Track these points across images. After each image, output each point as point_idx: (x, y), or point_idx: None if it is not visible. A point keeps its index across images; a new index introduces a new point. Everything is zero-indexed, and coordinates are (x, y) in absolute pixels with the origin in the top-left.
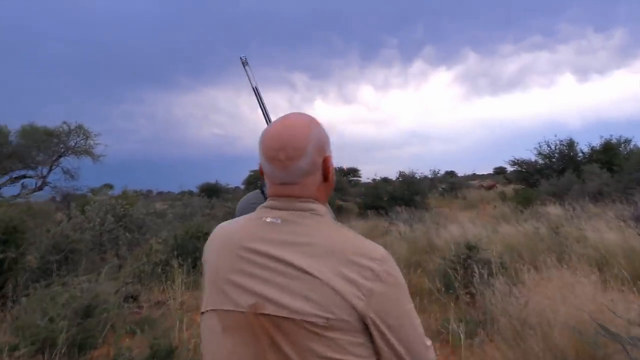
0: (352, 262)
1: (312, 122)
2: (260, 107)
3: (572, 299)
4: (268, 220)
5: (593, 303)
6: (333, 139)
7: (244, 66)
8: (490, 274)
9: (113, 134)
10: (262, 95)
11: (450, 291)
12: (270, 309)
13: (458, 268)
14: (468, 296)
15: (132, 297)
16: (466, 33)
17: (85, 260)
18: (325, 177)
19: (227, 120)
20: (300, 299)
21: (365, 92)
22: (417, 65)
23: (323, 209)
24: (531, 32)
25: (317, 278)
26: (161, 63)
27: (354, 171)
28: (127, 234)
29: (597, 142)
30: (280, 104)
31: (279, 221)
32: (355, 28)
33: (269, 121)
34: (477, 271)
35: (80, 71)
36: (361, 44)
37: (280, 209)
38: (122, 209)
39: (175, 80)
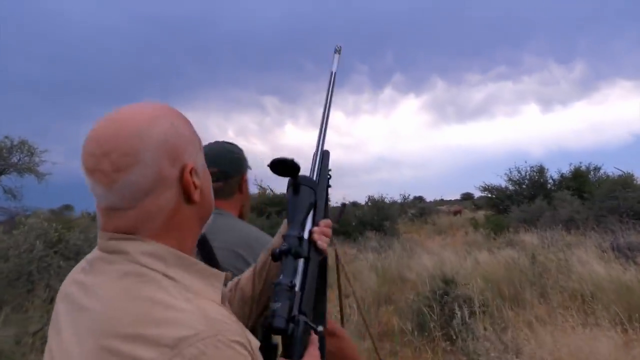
0: (113, 349)
1: (158, 114)
2: (328, 98)
3: (568, 348)
4: (85, 261)
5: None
6: (303, 163)
7: (336, 53)
8: (472, 314)
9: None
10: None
11: (425, 333)
12: None
13: (434, 305)
14: (447, 342)
15: None
16: (434, 61)
17: (7, 293)
18: (189, 197)
19: None
20: None
21: (336, 117)
22: (387, 92)
23: (161, 251)
24: (497, 62)
25: None
26: (131, 83)
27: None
28: (61, 262)
29: (566, 169)
30: (250, 127)
31: (87, 266)
32: (327, 53)
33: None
34: (457, 312)
35: (48, 89)
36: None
37: (98, 247)
38: (57, 234)
39: (144, 101)
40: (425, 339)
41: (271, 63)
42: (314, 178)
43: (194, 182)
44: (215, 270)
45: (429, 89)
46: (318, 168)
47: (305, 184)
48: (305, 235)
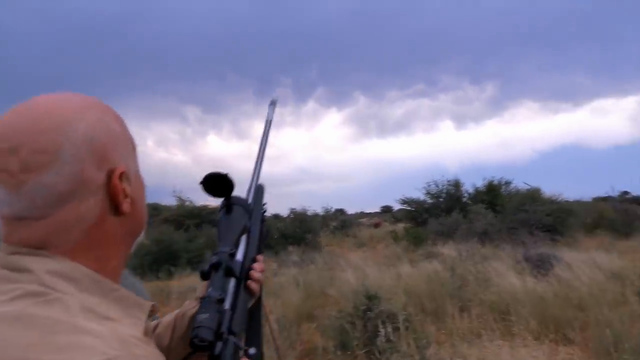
0: None
1: (86, 106)
2: (263, 143)
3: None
4: None
5: None
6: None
7: (271, 105)
8: (395, 329)
9: None
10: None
11: (348, 351)
12: None
13: (356, 322)
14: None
15: None
16: (357, 77)
17: None
18: (117, 207)
19: None
20: None
21: (260, 128)
22: (310, 105)
23: (73, 272)
24: (415, 79)
25: None
26: (37, 91)
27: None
28: None
29: (480, 183)
30: (170, 137)
31: None
32: (251, 65)
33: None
34: (381, 329)
35: None
36: (256, 81)
37: None
38: None
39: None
40: (348, 357)
41: (193, 72)
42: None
43: (124, 189)
44: (139, 299)
45: (352, 104)
46: (252, 202)
47: (239, 204)
48: (239, 257)
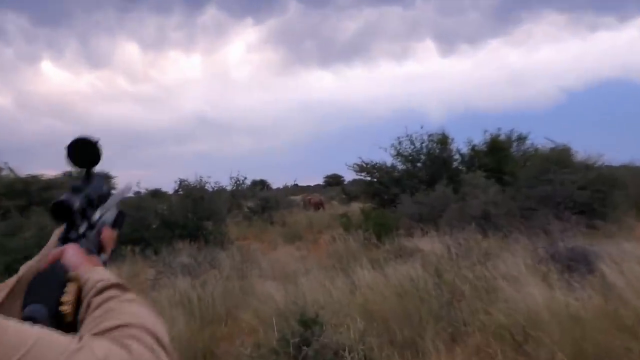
0: None
1: None
2: None
3: None
4: None
5: None
6: (66, 124)
7: None
8: None
9: None
10: None
11: None
12: None
13: None
14: None
15: None
16: None
17: None
18: None
19: None
20: None
21: (126, 51)
22: (210, 13)
23: None
24: None
25: None
26: None
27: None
28: None
29: (479, 139)
30: None
31: None
32: None
33: None
34: None
35: None
36: None
37: None
38: None
39: None
40: None
41: None
42: None
43: None
44: None
45: (277, 12)
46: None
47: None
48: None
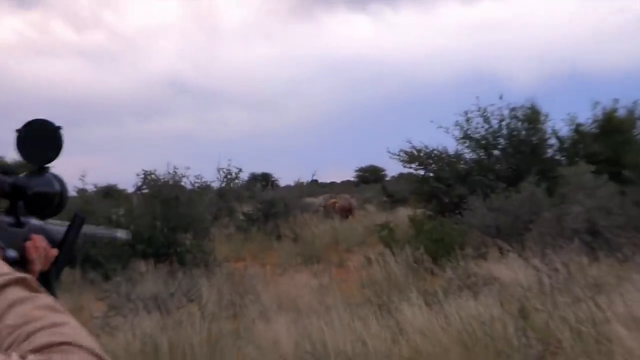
0: None
1: None
2: None
3: None
4: None
5: None
6: None
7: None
8: None
9: None
10: None
11: None
12: None
13: None
14: None
15: None
16: None
17: None
18: None
19: None
20: None
21: None
22: None
23: None
24: None
25: None
26: None
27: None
28: None
29: (585, 116)
30: None
31: None
32: None
33: None
34: None
35: None
36: None
37: None
38: None
39: None
40: None
41: None
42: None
43: None
44: None
45: None
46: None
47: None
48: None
